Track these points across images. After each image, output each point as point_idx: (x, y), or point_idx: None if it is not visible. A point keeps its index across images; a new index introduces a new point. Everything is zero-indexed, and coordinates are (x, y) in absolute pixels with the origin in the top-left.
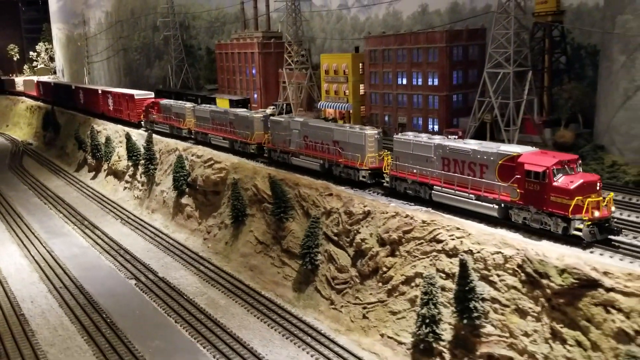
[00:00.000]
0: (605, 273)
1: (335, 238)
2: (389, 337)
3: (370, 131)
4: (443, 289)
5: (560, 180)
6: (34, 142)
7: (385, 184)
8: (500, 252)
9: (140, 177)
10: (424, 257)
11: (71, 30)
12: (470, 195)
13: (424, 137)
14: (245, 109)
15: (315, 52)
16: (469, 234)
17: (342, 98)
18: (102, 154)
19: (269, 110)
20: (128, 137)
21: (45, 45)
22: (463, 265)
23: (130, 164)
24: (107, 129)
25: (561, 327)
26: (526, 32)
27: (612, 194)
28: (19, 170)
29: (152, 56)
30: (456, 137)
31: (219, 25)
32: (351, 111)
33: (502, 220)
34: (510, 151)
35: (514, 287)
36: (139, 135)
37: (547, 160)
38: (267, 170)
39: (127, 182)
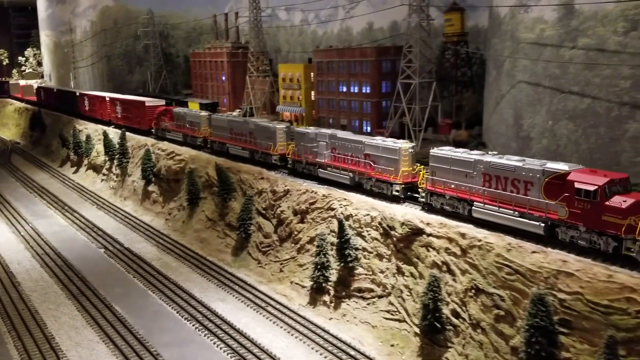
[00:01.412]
0: (428, 224)
1: (264, 212)
2: (296, 283)
3: (405, 144)
4: (332, 244)
5: (612, 199)
6: (22, 142)
7: (420, 199)
8: (369, 214)
9: (115, 170)
10: (323, 221)
11: (59, 37)
12: (515, 212)
13: (462, 152)
14: (266, 120)
15: (281, 62)
16: (351, 202)
17: (296, 103)
18: (83, 150)
19: (235, 113)
20: (105, 135)
21: (33, 50)
22: (340, 223)
23: (107, 158)
24: (87, 128)
25: (402, 264)
26: (430, 50)
27: None
28: (7, 166)
29: (133, 63)
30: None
31: (196, 35)
32: (304, 114)
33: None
34: (558, 169)
35: (376, 239)
36: (115, 133)
37: (598, 179)
38: (217, 160)
39: (104, 174)
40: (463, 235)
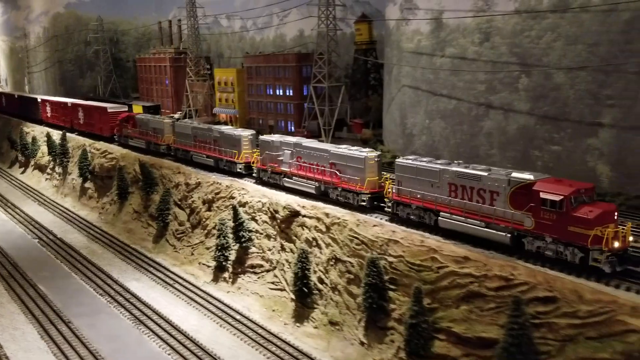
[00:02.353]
0: (303, 207)
1: (179, 202)
2: (203, 264)
3: (371, 154)
4: (232, 228)
5: (578, 210)
6: None
7: (387, 209)
8: (260, 201)
9: (58, 169)
10: (226, 209)
11: (14, 42)
12: (481, 222)
13: (427, 161)
14: (231, 127)
15: (224, 66)
16: (248, 192)
17: (231, 105)
18: (29, 152)
19: (177, 115)
20: (48, 137)
21: None
22: (235, 210)
23: (50, 158)
24: (34, 131)
25: (284, 242)
26: (339, 57)
27: (630, 223)
28: None
29: (84, 67)
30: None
31: (145, 40)
32: (237, 116)
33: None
34: (523, 178)
35: (266, 222)
36: (58, 135)
37: (564, 188)
38: (142, 157)
39: (48, 174)
40: (327, 215)
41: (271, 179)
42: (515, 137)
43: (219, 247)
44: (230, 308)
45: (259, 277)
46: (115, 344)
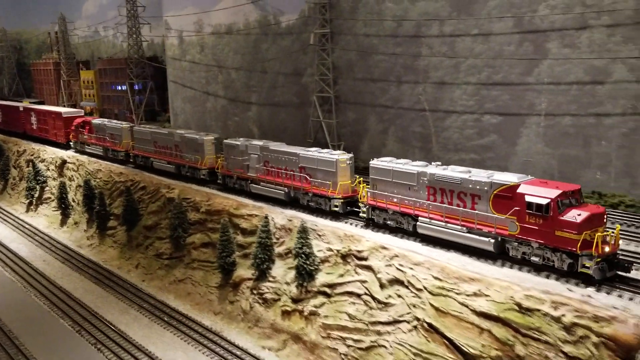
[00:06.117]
0: (69, 157)
1: (14, 164)
2: (22, 202)
3: (342, 156)
4: None
5: (565, 213)
6: None
7: (362, 214)
8: (51, 157)
9: None
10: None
11: None
12: (462, 227)
13: (404, 163)
14: (194, 131)
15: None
16: (46, 151)
17: (92, 99)
18: None
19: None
20: None
21: None
22: (33, 163)
23: None
24: None
25: (60, 179)
26: (146, 62)
27: (619, 226)
28: None
29: None
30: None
31: (46, 47)
32: (97, 107)
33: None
34: (507, 181)
35: (54, 170)
36: None
37: (550, 191)
38: None
39: None
40: (82, 159)
41: (237, 185)
42: (220, 112)
43: (27, 189)
44: (31, 225)
45: (48, 205)
46: None
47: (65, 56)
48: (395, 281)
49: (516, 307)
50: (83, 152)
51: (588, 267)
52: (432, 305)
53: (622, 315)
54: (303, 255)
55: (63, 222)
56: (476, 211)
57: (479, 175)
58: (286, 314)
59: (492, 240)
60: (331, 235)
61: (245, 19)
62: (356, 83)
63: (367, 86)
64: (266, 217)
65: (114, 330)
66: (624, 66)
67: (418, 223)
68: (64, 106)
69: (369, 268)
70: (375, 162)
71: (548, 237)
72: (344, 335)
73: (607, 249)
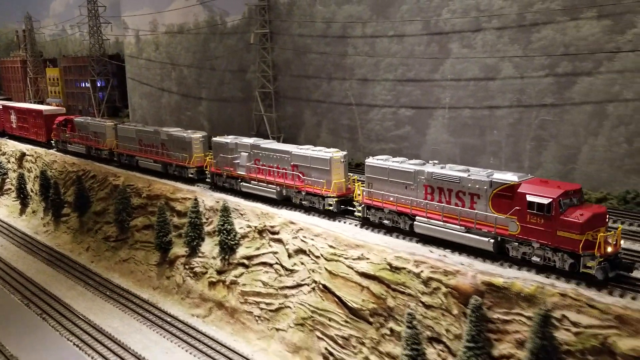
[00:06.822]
0: (27, 150)
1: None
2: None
3: (336, 154)
4: None
5: (567, 213)
6: None
7: (357, 214)
8: (12, 150)
9: None
10: None
11: None
12: (461, 227)
13: (400, 162)
14: (181, 129)
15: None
16: (7, 144)
17: (57, 95)
18: None
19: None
20: None
21: None
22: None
23: None
24: None
25: (19, 170)
26: (107, 60)
27: (620, 226)
28: None
29: None
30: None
31: (15, 45)
32: (62, 103)
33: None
34: (507, 180)
35: (13, 162)
36: None
37: (551, 190)
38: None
39: None
40: (29, 150)
41: (227, 184)
42: (174, 107)
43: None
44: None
45: (9, 195)
46: None
47: (32, 54)
48: (300, 251)
49: (388, 267)
50: (65, 151)
51: (590, 268)
52: (326, 269)
53: (464, 269)
54: (225, 232)
55: (22, 211)
56: (475, 211)
57: (478, 174)
58: (212, 284)
59: (492, 240)
60: (250, 213)
61: (195, 19)
62: (293, 79)
63: (303, 82)
64: (195, 199)
65: (60, 303)
66: (510, 64)
67: (415, 222)
68: (30, 102)
69: (279, 241)
70: (371, 161)
71: (550, 237)
72: (258, 300)
73: (609, 249)
